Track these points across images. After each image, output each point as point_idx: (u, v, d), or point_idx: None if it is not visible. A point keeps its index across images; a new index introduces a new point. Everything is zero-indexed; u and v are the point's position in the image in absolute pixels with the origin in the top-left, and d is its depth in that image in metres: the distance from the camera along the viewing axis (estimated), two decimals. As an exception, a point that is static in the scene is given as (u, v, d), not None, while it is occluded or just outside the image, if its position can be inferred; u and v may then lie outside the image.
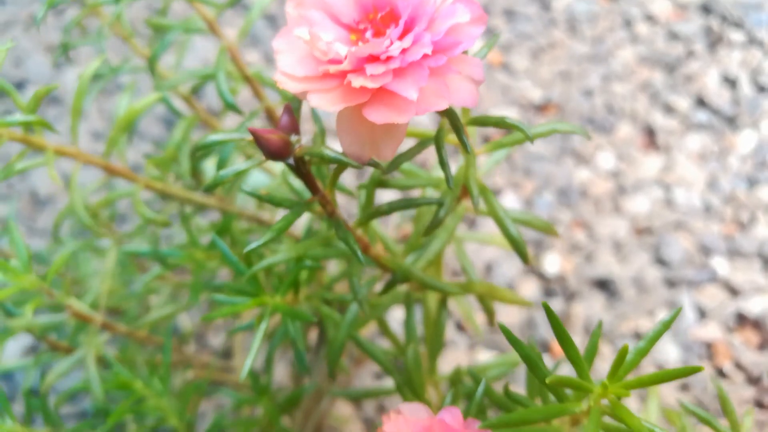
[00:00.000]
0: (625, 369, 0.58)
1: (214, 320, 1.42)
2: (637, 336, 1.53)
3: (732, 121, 1.66)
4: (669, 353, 1.50)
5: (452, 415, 0.59)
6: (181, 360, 1.10)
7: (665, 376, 0.54)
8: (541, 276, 1.56)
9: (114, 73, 0.89)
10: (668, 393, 1.45)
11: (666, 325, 0.61)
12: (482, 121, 0.65)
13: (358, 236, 0.75)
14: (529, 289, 1.55)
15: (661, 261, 1.58)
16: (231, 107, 0.81)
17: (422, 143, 0.68)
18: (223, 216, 0.89)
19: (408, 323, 0.84)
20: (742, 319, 1.53)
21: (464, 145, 0.59)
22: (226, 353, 1.42)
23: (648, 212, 1.62)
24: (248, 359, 0.73)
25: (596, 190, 1.63)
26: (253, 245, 0.61)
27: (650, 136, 1.67)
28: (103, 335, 0.86)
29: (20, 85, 1.75)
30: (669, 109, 1.68)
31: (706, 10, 1.75)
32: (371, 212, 0.69)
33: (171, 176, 0.88)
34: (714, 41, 1.71)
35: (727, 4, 1.73)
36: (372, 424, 1.45)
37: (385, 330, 0.93)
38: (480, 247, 1.55)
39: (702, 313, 1.55)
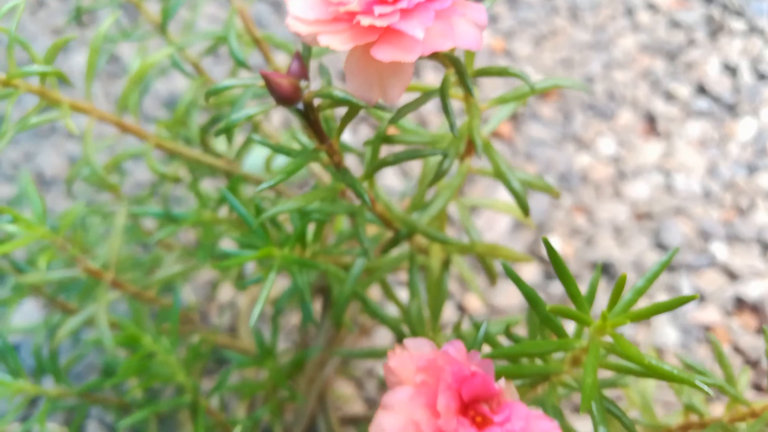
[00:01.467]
0: (624, 307, 0.60)
1: (215, 299, 1.44)
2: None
3: (732, 109, 1.68)
4: (668, 336, 1.51)
5: (456, 348, 0.60)
6: (188, 329, 1.12)
7: (661, 307, 0.56)
8: (541, 259, 1.57)
9: (125, 37, 0.91)
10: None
11: (663, 266, 0.62)
12: (486, 71, 0.67)
13: (363, 200, 0.77)
14: (530, 272, 1.57)
15: (660, 245, 1.60)
16: (241, 64, 0.83)
17: (427, 94, 0.70)
18: (230, 180, 0.91)
19: (411, 281, 0.86)
20: (741, 303, 1.54)
21: (468, 89, 0.61)
22: (231, 331, 1.44)
23: (648, 197, 1.63)
24: (256, 308, 0.74)
25: (597, 175, 1.65)
26: (263, 185, 0.62)
27: (651, 123, 1.69)
28: (113, 293, 0.88)
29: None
30: (670, 97, 1.70)
31: (707, -2, 1.77)
32: (377, 163, 0.71)
33: (180, 141, 0.90)
34: (715, 30, 1.73)
35: (727, -7, 1.76)
36: (374, 403, 1.46)
37: (388, 293, 0.95)
38: (481, 232, 1.57)
39: (701, 297, 1.56)
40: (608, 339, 0.60)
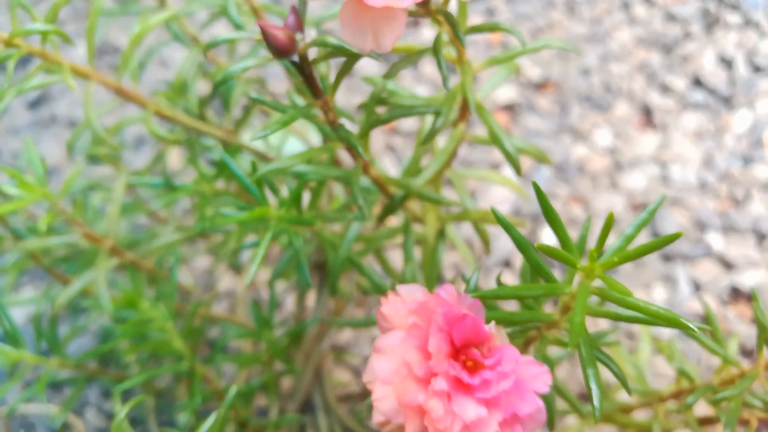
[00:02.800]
0: (613, 252, 0.61)
1: (213, 289, 1.45)
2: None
3: (728, 101, 1.69)
4: (665, 332, 1.52)
5: (447, 292, 0.61)
6: (186, 307, 1.13)
7: (649, 247, 0.57)
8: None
9: (124, 11, 0.92)
10: (662, 364, 1.47)
11: (651, 213, 0.64)
12: (478, 28, 0.69)
13: (358, 155, 0.78)
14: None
15: (656, 235, 1.61)
16: (240, 28, 0.84)
17: (420, 51, 0.71)
18: (227, 149, 0.92)
19: (406, 247, 0.87)
20: (737, 293, 1.55)
21: (460, 41, 0.62)
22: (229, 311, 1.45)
23: (644, 188, 1.64)
24: (252, 266, 0.75)
25: (593, 166, 1.66)
26: (259, 134, 0.64)
27: (647, 115, 1.71)
28: (111, 261, 0.89)
29: (27, 60, 1.79)
30: (666, 89, 1.71)
31: (703, -8, 1.79)
32: (372, 120, 0.72)
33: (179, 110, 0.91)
34: (711, 23, 1.75)
35: (722, -12, 1.77)
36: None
37: (382, 263, 0.96)
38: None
39: (697, 287, 1.57)
40: (598, 283, 0.62)
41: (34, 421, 1.42)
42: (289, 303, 1.41)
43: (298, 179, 0.79)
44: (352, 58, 0.65)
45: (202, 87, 1.09)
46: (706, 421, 0.90)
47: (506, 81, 1.74)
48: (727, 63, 1.72)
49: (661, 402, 0.92)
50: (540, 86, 1.73)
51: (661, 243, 0.55)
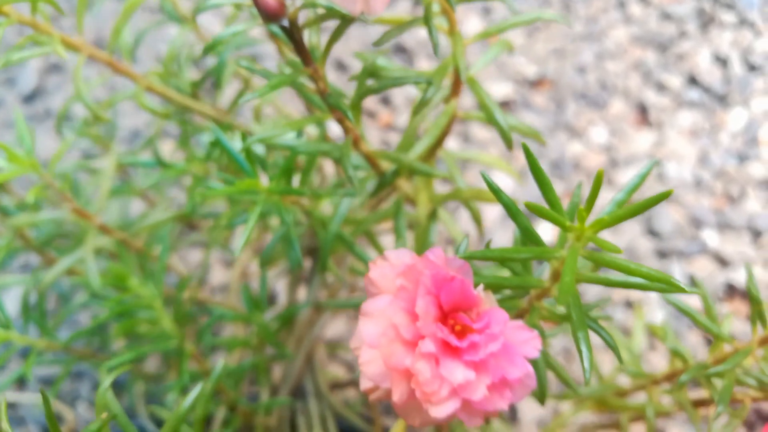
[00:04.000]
0: (607, 222, 0.60)
1: (207, 283, 1.44)
2: (628, 304, 1.55)
3: (723, 99, 1.69)
4: (659, 321, 1.51)
5: (434, 254, 0.61)
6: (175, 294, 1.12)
7: (641, 206, 0.56)
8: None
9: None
10: (656, 360, 1.46)
11: (643, 178, 0.63)
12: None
13: (349, 126, 0.78)
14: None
15: (652, 232, 1.61)
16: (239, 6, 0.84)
17: (410, 21, 0.71)
18: (220, 127, 0.91)
19: (396, 227, 0.86)
20: (732, 290, 1.54)
21: (450, 5, 0.62)
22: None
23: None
24: (242, 240, 0.75)
25: (589, 163, 1.66)
26: (246, 97, 0.63)
27: (642, 113, 1.71)
28: (101, 239, 0.88)
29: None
30: (661, 87, 1.71)
31: (698, -8, 1.79)
32: (363, 90, 0.72)
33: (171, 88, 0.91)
34: (706, 22, 1.76)
35: (718, -13, 1.78)
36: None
37: (376, 247, 0.95)
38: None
39: (692, 283, 1.56)
40: (590, 246, 0.61)
41: (24, 415, 1.41)
42: (282, 297, 1.40)
43: (288, 153, 0.78)
44: (344, 22, 0.65)
45: (195, 73, 1.08)
46: (700, 403, 0.89)
47: (502, 78, 1.74)
48: (722, 62, 1.72)
49: (655, 384, 0.91)
50: (535, 83, 1.73)
51: (654, 201, 0.55)
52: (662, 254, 1.59)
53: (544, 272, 0.71)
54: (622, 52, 1.74)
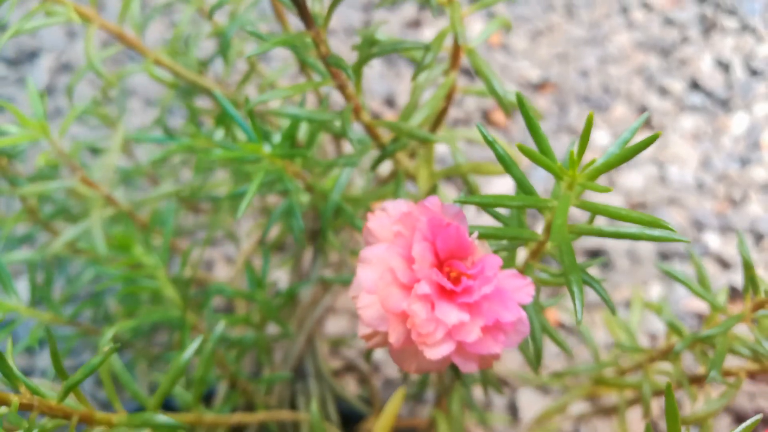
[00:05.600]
0: (599, 170, 0.62)
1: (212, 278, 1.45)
2: (627, 304, 1.55)
3: (725, 104, 1.71)
4: (659, 323, 1.51)
5: (431, 202, 0.62)
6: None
7: (635, 149, 0.57)
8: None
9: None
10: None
11: (634, 131, 0.64)
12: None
13: (350, 94, 0.79)
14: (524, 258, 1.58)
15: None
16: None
17: (412, -13, 0.73)
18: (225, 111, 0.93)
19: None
20: (733, 292, 1.55)
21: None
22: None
23: (642, 188, 1.65)
24: (244, 203, 0.76)
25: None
26: (251, 52, 0.65)
27: (645, 116, 1.72)
28: (106, 210, 0.90)
29: (34, 54, 1.82)
30: (664, 91, 1.73)
31: (700, -2, 1.82)
32: (365, 55, 0.74)
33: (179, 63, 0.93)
34: (708, 27, 1.78)
35: (720, -6, 1.80)
36: (365, 380, 1.47)
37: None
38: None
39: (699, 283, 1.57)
40: (586, 197, 0.62)
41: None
42: (285, 285, 1.41)
43: (290, 121, 0.80)
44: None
45: (203, 49, 1.10)
46: (696, 380, 0.90)
47: (506, 82, 1.76)
48: (724, 66, 1.74)
49: (651, 362, 0.92)
50: (539, 87, 1.75)
51: (649, 141, 0.56)
52: (664, 256, 1.60)
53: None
54: (624, 57, 1.77)
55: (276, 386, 1.05)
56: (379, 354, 1.46)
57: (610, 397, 1.17)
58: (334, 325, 1.51)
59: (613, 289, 1.57)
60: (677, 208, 1.63)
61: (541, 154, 0.59)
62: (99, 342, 1.07)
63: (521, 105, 0.60)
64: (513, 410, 1.44)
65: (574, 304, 0.58)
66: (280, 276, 1.38)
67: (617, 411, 1.03)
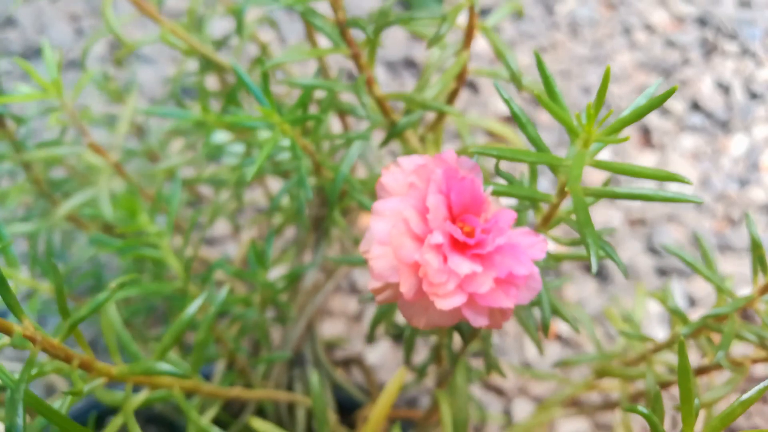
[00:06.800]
0: (624, 121, 0.62)
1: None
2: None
3: (725, 125, 1.72)
4: (659, 337, 1.51)
5: (447, 155, 0.62)
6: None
7: (647, 107, 0.58)
8: (534, 254, 1.59)
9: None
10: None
11: (649, 98, 0.65)
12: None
13: (364, 64, 0.80)
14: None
15: (653, 250, 1.62)
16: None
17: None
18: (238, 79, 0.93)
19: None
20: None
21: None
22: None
23: (641, 204, 1.66)
24: (256, 165, 0.76)
25: (591, 180, 1.68)
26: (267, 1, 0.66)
27: (646, 135, 1.74)
28: (114, 180, 0.90)
29: (41, 50, 1.83)
30: (664, 111, 1.75)
31: (703, 22, 1.84)
32: (382, 22, 0.74)
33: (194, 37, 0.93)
34: (709, 50, 1.80)
35: (722, 18, 1.83)
36: (362, 386, 1.45)
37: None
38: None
39: (692, 301, 1.57)
40: (598, 156, 0.63)
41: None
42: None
43: (303, 91, 0.80)
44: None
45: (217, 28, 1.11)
46: (701, 371, 0.89)
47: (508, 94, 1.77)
48: (724, 89, 1.76)
49: (655, 352, 0.91)
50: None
51: (664, 98, 0.56)
52: (662, 271, 1.60)
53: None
54: (626, 77, 1.79)
55: (273, 371, 1.04)
56: (375, 357, 1.44)
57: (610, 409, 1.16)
58: (330, 328, 1.50)
59: (611, 304, 1.56)
60: (676, 224, 1.64)
61: (556, 105, 0.59)
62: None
63: (538, 63, 0.61)
64: (508, 420, 1.43)
65: (588, 251, 0.58)
66: (282, 271, 1.37)
67: (620, 405, 1.02)
